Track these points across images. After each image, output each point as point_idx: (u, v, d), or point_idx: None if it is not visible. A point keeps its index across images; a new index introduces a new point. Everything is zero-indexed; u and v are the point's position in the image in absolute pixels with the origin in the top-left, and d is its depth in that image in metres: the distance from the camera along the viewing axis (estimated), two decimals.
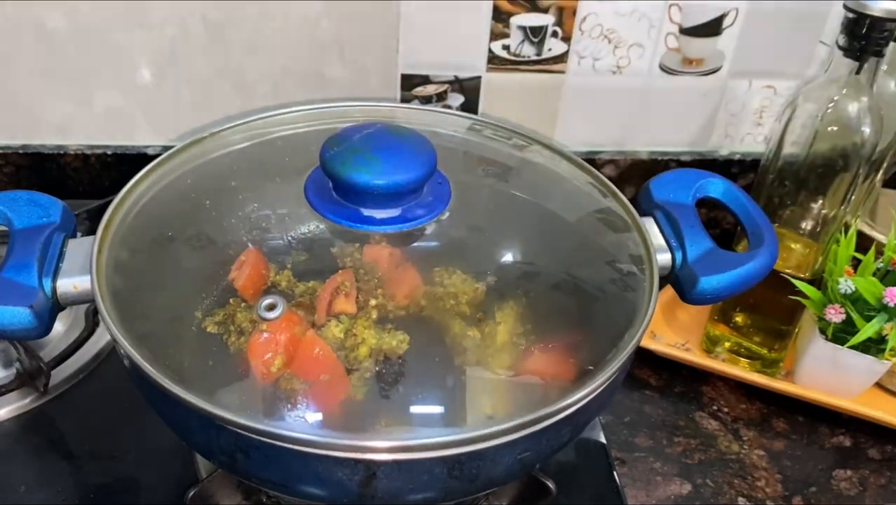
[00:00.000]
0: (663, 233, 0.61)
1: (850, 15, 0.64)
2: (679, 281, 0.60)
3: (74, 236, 0.58)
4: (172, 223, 0.68)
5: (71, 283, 0.53)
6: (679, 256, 0.59)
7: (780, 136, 0.71)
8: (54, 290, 0.53)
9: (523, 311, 0.72)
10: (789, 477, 0.71)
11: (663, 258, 0.60)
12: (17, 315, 0.50)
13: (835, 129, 0.68)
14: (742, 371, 0.79)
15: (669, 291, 0.63)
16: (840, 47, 0.66)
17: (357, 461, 0.43)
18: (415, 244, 0.79)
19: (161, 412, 0.50)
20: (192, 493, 0.53)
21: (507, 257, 0.77)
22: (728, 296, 0.58)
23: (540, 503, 0.57)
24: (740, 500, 0.69)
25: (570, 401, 0.47)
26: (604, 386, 0.48)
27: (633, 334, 0.52)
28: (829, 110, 0.68)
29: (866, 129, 0.68)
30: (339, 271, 0.63)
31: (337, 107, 0.75)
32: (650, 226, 0.61)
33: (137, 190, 0.63)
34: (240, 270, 0.68)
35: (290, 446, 0.42)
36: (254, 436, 0.43)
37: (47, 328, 0.52)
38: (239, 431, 0.43)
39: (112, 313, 0.51)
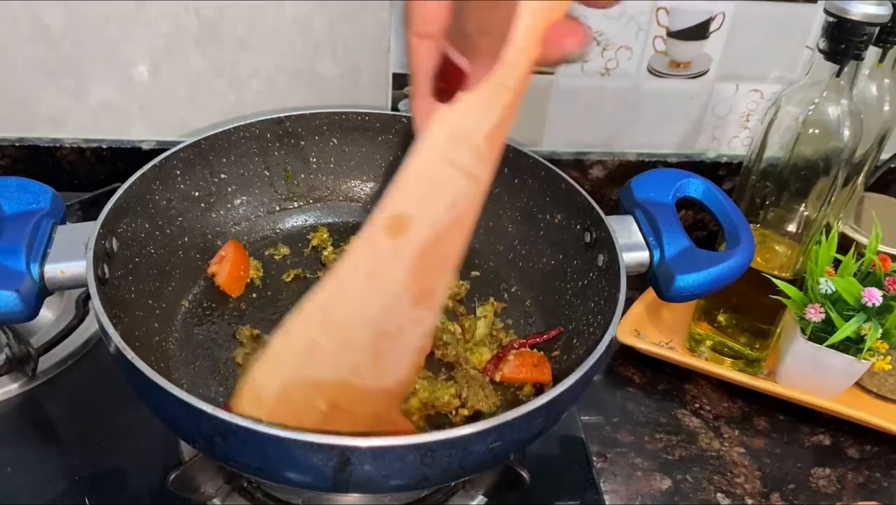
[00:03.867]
0: (642, 231, 0.62)
1: (831, 19, 0.66)
2: (657, 278, 0.61)
3: (63, 223, 0.59)
4: (163, 215, 0.69)
5: (58, 268, 0.55)
6: (657, 253, 0.60)
7: (762, 138, 0.72)
8: (41, 274, 0.54)
9: (503, 307, 0.74)
10: (768, 474, 0.72)
11: (641, 256, 0.61)
12: (4, 298, 0.51)
13: (816, 131, 0.69)
14: (724, 370, 0.79)
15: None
16: (821, 50, 0.67)
17: (332, 447, 0.43)
18: None
19: (142, 396, 0.51)
20: (173, 476, 0.54)
21: (489, 256, 0.79)
22: (704, 293, 0.60)
23: (515, 493, 0.58)
24: (719, 496, 0.70)
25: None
26: (574, 380, 0.49)
27: (604, 329, 0.53)
28: (810, 113, 0.69)
29: (846, 132, 0.69)
30: None
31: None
32: (628, 224, 0.63)
33: (137, 183, 0.64)
34: (220, 264, 0.69)
35: (266, 431, 0.43)
36: (232, 421, 0.44)
37: (34, 312, 0.53)
38: (218, 416, 0.44)
39: (102, 299, 0.52)
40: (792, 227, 0.75)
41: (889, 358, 0.72)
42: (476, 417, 0.61)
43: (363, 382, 0.47)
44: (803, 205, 0.73)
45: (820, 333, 0.74)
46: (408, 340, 0.47)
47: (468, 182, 0.44)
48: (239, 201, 0.77)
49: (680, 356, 0.81)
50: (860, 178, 0.80)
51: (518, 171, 0.75)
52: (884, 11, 0.64)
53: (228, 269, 0.70)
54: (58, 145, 0.92)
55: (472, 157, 0.43)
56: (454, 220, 0.45)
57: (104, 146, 0.92)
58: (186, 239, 0.72)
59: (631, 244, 0.62)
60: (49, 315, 0.76)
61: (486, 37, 0.39)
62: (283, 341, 0.47)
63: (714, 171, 0.99)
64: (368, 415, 0.49)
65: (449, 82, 0.41)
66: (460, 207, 0.45)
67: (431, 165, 0.44)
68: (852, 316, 0.71)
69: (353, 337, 0.46)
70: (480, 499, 0.63)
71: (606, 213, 0.64)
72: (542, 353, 0.67)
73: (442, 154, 0.43)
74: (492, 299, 0.73)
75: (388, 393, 0.49)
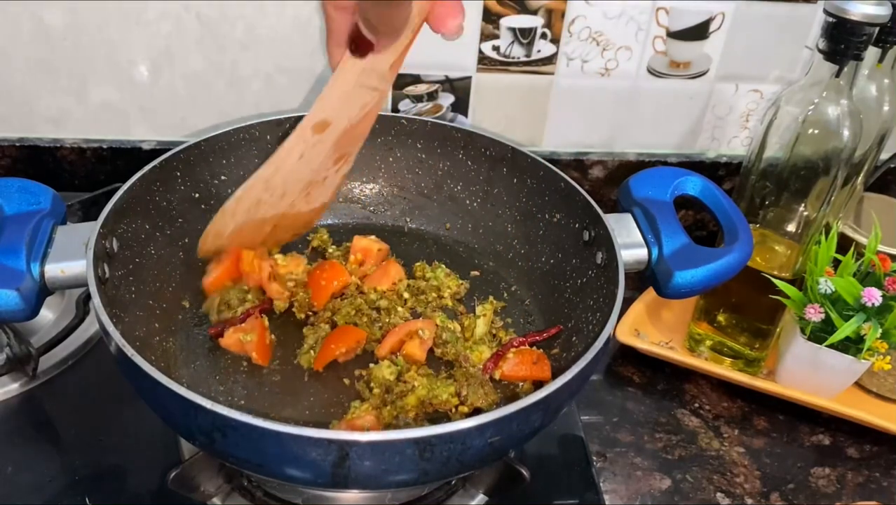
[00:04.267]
0: (640, 229, 0.62)
1: (830, 19, 0.66)
2: (655, 275, 0.61)
3: (64, 223, 0.59)
4: (164, 216, 0.69)
5: (59, 267, 0.55)
6: (655, 251, 0.60)
7: (762, 138, 0.72)
8: (42, 274, 0.54)
9: (502, 306, 0.74)
10: (768, 474, 0.72)
11: (640, 253, 0.61)
12: (5, 297, 0.51)
13: (815, 131, 0.70)
14: (724, 370, 0.79)
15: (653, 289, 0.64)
16: (820, 51, 0.68)
17: (330, 441, 0.43)
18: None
19: (142, 394, 0.51)
20: (173, 474, 0.54)
21: (488, 256, 0.79)
22: (703, 290, 0.60)
23: (515, 490, 0.58)
24: (719, 495, 0.70)
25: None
26: (571, 375, 0.49)
27: (603, 326, 0.53)
28: (809, 113, 0.69)
29: (846, 133, 0.69)
30: (422, 319, 0.69)
31: None
32: (626, 222, 0.63)
33: (137, 184, 0.64)
34: (215, 266, 0.70)
35: (265, 426, 0.43)
36: (231, 416, 0.44)
37: (34, 311, 0.53)
38: (217, 412, 0.44)
39: (102, 298, 0.52)
40: (791, 227, 0.75)
41: (888, 358, 0.72)
42: (476, 414, 0.61)
43: (298, 210, 0.68)
44: (803, 205, 0.73)
45: (819, 333, 0.74)
46: (330, 182, 0.67)
47: (375, 93, 0.60)
48: None
49: (680, 356, 0.81)
50: (860, 178, 0.80)
51: (517, 171, 0.75)
52: (883, 12, 0.64)
53: (218, 274, 0.71)
54: (58, 145, 0.92)
55: (378, 80, 0.59)
56: (365, 115, 0.62)
57: (104, 146, 0.93)
58: (187, 240, 0.72)
59: (629, 242, 0.62)
60: (49, 315, 0.76)
61: (386, 26, 0.52)
62: (235, 203, 0.65)
63: (714, 171, 0.99)
64: (301, 225, 0.71)
65: (361, 46, 0.55)
66: (369, 107, 0.62)
67: (347, 87, 0.59)
68: (852, 316, 0.71)
69: (290, 190, 0.65)
70: (481, 498, 0.63)
71: (605, 213, 0.64)
72: (541, 350, 0.67)
73: (356, 79, 0.59)
74: (491, 298, 0.73)
75: (316, 210, 0.70)
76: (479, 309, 0.72)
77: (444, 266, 0.75)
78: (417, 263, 0.76)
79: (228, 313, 0.67)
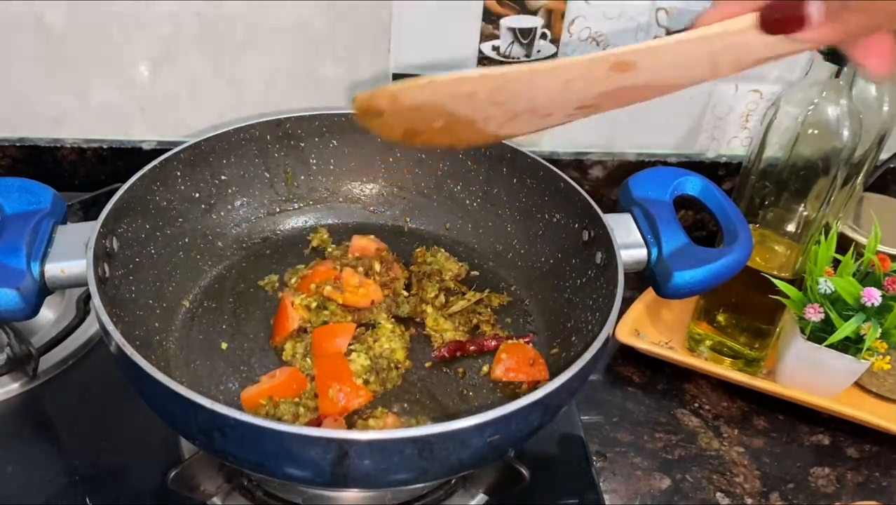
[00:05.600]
0: (640, 228, 0.63)
1: None
2: (655, 275, 0.61)
3: (64, 223, 0.59)
4: (164, 216, 0.69)
5: (59, 267, 0.55)
6: (654, 251, 0.61)
7: (761, 138, 0.72)
8: (42, 273, 0.54)
9: (500, 304, 0.74)
10: (768, 474, 0.72)
11: (639, 253, 0.61)
12: (5, 297, 0.51)
13: (815, 132, 0.69)
14: (724, 369, 0.80)
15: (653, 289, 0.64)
16: (820, 51, 0.67)
17: (329, 440, 0.44)
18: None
19: (142, 393, 0.51)
20: (173, 474, 0.54)
21: (488, 256, 0.79)
22: (702, 290, 0.60)
23: (514, 490, 0.58)
24: (719, 495, 0.70)
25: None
26: (570, 375, 0.49)
27: (602, 326, 0.53)
28: (809, 113, 0.69)
29: (845, 133, 0.69)
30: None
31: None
32: (626, 222, 0.63)
33: (138, 184, 0.64)
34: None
35: (264, 425, 0.44)
36: (230, 415, 0.44)
37: (34, 310, 0.54)
38: (216, 411, 0.44)
39: (102, 297, 0.52)
40: (791, 228, 0.75)
41: (888, 358, 0.72)
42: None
43: (486, 128, 0.53)
44: (802, 205, 0.73)
45: (819, 333, 0.74)
46: (549, 121, 0.53)
47: (707, 72, 0.46)
48: (239, 203, 0.77)
49: (679, 356, 0.81)
50: (859, 178, 0.80)
51: (517, 171, 0.75)
52: None
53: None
54: (58, 145, 0.92)
55: (730, 65, 0.45)
56: (671, 83, 0.48)
57: (105, 146, 0.93)
58: (187, 240, 0.72)
59: (629, 242, 0.62)
60: (50, 315, 0.76)
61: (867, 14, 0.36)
62: (453, 77, 0.50)
63: (713, 171, 0.99)
64: (471, 139, 0.55)
65: (785, 21, 0.39)
66: (682, 80, 0.48)
67: (692, 51, 0.45)
68: (851, 316, 0.71)
69: (509, 105, 0.51)
70: (481, 497, 0.63)
71: (605, 213, 0.64)
72: (537, 352, 0.67)
73: (709, 51, 0.44)
74: (487, 290, 0.74)
75: (497, 138, 0.55)
76: (469, 294, 0.73)
77: (443, 250, 0.76)
78: (418, 249, 0.77)
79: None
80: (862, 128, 0.70)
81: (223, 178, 0.75)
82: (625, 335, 0.81)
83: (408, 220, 0.83)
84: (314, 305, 0.68)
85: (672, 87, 0.49)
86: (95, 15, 0.84)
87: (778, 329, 0.80)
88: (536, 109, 0.51)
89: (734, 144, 1.00)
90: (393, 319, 0.70)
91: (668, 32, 0.89)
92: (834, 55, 0.66)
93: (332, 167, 0.81)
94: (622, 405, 0.78)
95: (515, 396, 0.65)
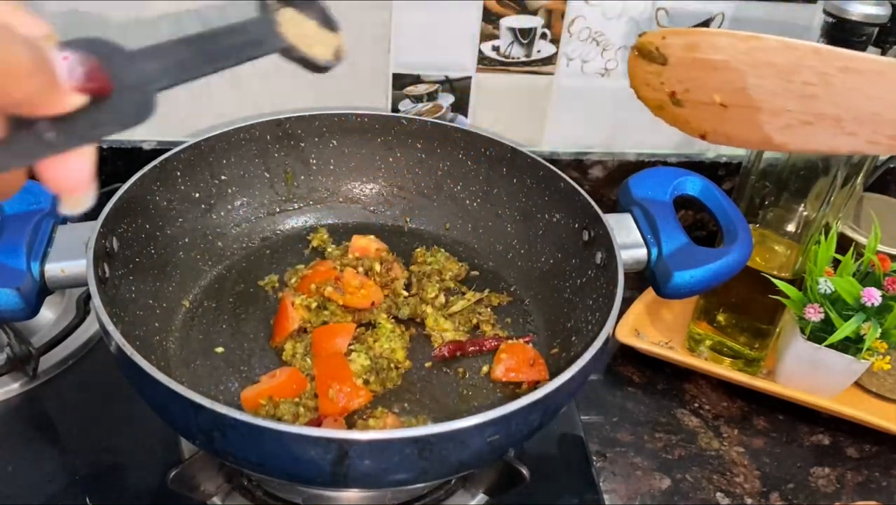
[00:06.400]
0: (640, 229, 0.63)
1: (830, 19, 0.66)
2: (654, 275, 0.61)
3: (64, 223, 0.59)
4: (164, 216, 0.69)
5: (59, 266, 0.55)
6: (654, 250, 0.61)
7: None
8: (42, 273, 0.54)
9: (500, 303, 0.74)
10: (768, 474, 0.72)
11: (639, 253, 0.61)
12: (5, 296, 0.52)
13: None
14: (724, 369, 0.79)
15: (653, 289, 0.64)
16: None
17: (329, 440, 0.44)
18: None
19: (142, 393, 0.51)
20: (173, 474, 0.54)
21: (488, 256, 0.79)
22: (702, 290, 0.60)
23: (514, 490, 0.58)
24: (719, 495, 0.70)
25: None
26: (570, 375, 0.49)
27: (602, 326, 0.53)
28: None
29: None
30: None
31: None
32: (626, 222, 0.63)
33: (137, 184, 0.64)
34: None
35: (264, 425, 0.44)
36: (230, 415, 0.44)
37: (34, 310, 0.54)
38: (216, 410, 0.44)
39: (102, 297, 0.52)
40: (791, 228, 0.75)
41: (888, 358, 0.72)
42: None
43: (767, 124, 0.49)
44: (802, 205, 0.73)
45: (819, 333, 0.74)
46: (846, 144, 0.50)
47: None
48: (239, 203, 0.78)
49: (679, 356, 0.81)
50: (859, 178, 0.80)
51: (517, 171, 0.75)
52: (882, 12, 0.64)
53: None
54: None
55: None
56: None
57: (104, 146, 0.93)
58: (187, 239, 0.72)
59: (629, 242, 0.62)
60: (50, 315, 0.76)
61: None
62: (778, 40, 0.48)
63: (713, 171, 0.99)
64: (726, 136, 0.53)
65: None
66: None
67: None
68: (851, 316, 0.71)
69: (818, 104, 0.48)
70: (481, 497, 0.63)
71: (605, 213, 0.64)
72: (536, 350, 0.67)
73: None
74: (487, 290, 0.74)
75: (769, 143, 0.53)
76: (469, 294, 0.73)
77: (443, 250, 0.76)
78: (418, 249, 0.77)
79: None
80: None
81: (223, 178, 0.75)
82: (625, 335, 0.81)
83: (408, 220, 0.83)
84: (314, 305, 0.68)
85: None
86: (94, 15, 0.84)
87: (778, 329, 0.80)
88: (843, 121, 0.47)
89: None
90: (393, 319, 0.70)
91: None
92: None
93: (332, 167, 0.81)
94: (622, 405, 0.78)
95: (515, 397, 0.65)
